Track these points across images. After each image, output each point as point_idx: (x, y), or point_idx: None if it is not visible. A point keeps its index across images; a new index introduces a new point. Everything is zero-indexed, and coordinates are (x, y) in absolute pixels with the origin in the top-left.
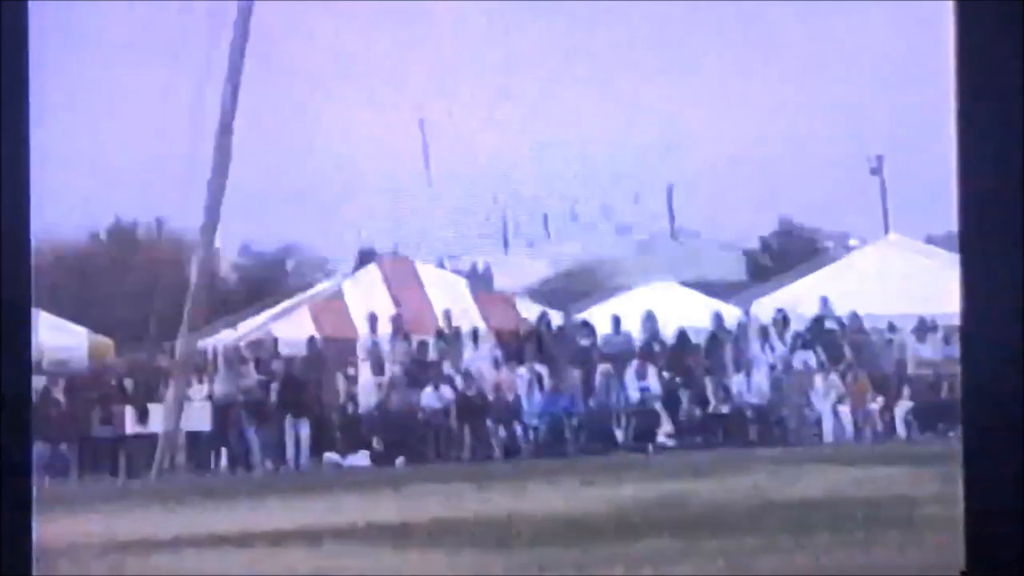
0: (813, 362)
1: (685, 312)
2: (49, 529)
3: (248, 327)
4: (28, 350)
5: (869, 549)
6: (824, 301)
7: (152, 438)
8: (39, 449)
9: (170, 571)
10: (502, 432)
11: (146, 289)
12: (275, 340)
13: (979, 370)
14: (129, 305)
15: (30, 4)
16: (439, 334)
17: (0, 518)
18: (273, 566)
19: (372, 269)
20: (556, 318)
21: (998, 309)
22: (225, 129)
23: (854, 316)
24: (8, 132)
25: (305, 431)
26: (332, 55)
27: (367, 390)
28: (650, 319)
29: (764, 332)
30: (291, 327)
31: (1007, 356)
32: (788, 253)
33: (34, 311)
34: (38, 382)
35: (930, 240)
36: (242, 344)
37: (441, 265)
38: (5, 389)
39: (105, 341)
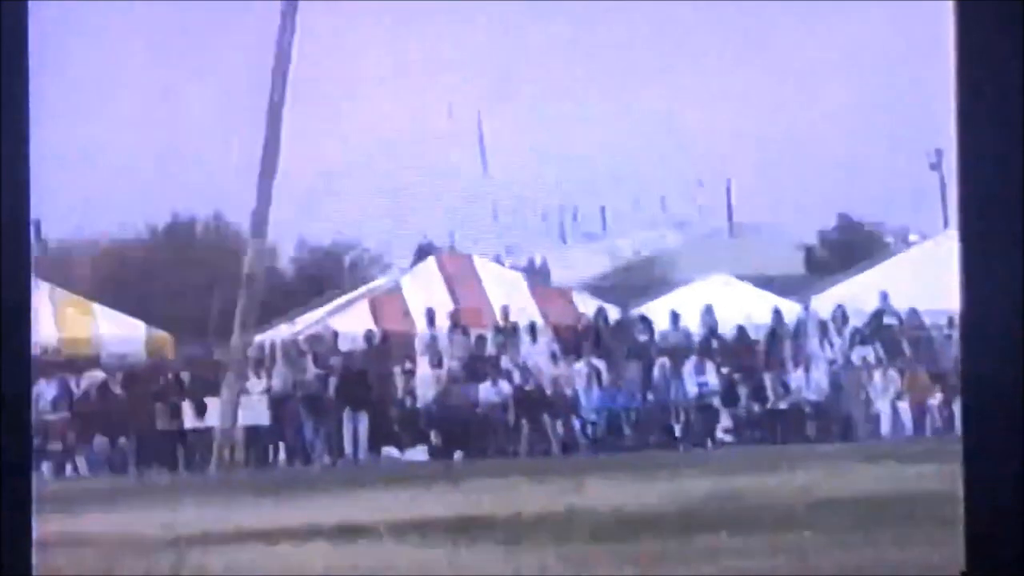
0: (872, 358)
1: (743, 307)
2: (111, 521)
3: (306, 321)
4: (28, 350)
5: (930, 545)
6: (883, 296)
7: (210, 432)
8: (99, 443)
9: (228, 567)
10: (560, 427)
11: (204, 284)
12: (334, 334)
13: (979, 369)
14: (187, 300)
15: (30, 4)
16: (497, 328)
17: (0, 518)
18: (333, 560)
19: (430, 264)
20: (614, 313)
21: (998, 308)
22: (274, 122)
23: (913, 312)
24: (8, 132)
25: (363, 425)
26: (385, 51)
27: (425, 384)
28: (708, 314)
29: (823, 327)
30: (349, 321)
31: (1007, 356)
32: (847, 248)
33: (93, 305)
34: (97, 376)
35: None
36: (300, 338)
37: (499, 260)
38: (5, 389)
39: (163, 335)
